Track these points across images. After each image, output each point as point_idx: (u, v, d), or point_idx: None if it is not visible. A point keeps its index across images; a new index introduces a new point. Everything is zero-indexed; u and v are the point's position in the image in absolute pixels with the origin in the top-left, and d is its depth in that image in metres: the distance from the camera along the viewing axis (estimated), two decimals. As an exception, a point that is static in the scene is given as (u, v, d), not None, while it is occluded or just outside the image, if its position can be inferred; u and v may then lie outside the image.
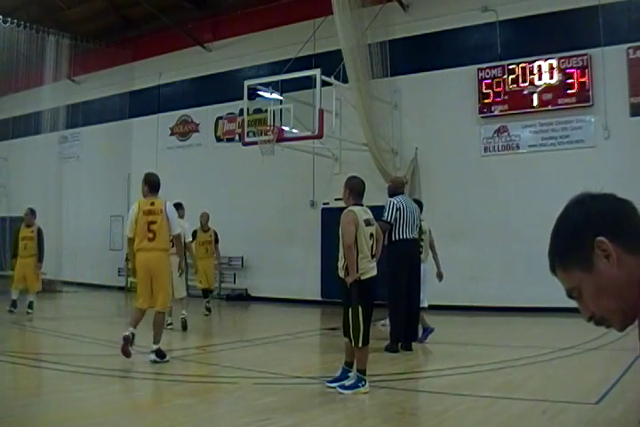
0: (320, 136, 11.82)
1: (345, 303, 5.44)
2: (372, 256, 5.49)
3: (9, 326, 9.73)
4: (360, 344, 5.30)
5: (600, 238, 1.38)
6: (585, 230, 1.41)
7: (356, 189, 5.64)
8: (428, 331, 8.86)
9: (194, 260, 10.54)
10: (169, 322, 10.11)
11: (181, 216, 10.69)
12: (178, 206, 10.66)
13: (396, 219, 7.62)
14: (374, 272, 5.47)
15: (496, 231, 12.35)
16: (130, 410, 4.79)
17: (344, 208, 5.67)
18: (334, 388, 5.30)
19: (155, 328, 6.58)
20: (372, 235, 5.48)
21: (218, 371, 6.36)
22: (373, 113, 12.58)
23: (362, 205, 5.61)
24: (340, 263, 5.46)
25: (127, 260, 10.73)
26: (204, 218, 11.65)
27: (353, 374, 5.40)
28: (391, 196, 7.97)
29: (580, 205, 1.47)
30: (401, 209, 7.68)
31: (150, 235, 6.59)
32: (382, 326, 9.53)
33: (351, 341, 5.36)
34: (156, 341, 6.52)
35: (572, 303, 1.48)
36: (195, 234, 11.13)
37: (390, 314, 7.85)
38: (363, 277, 5.35)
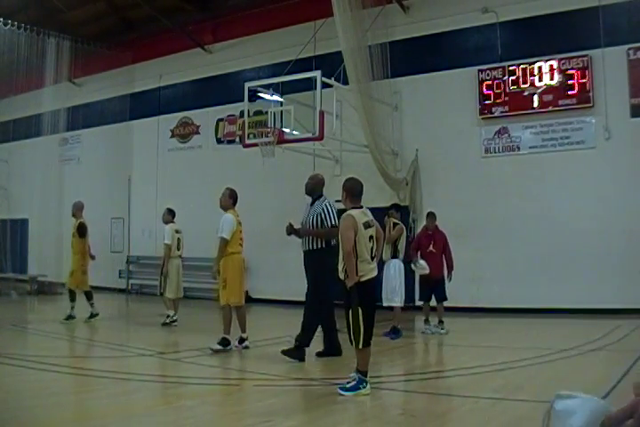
0: (320, 138, 11.81)
1: (346, 305, 5.44)
2: (373, 258, 5.48)
3: (10, 328, 9.73)
4: (360, 346, 5.30)
5: None
6: None
7: (352, 191, 5.63)
8: (397, 332, 8.88)
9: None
10: (175, 319, 10.36)
11: (168, 221, 10.86)
12: (169, 212, 10.95)
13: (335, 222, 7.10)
14: (374, 274, 5.46)
15: (497, 232, 12.34)
16: (131, 412, 4.79)
17: (345, 210, 5.66)
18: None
19: (241, 320, 7.85)
20: (371, 237, 5.47)
21: (219, 373, 6.36)
22: (374, 114, 12.58)
23: (361, 207, 5.59)
24: (340, 266, 5.46)
25: (163, 263, 10.83)
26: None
27: (354, 375, 5.40)
28: (312, 194, 7.64)
29: None
30: (336, 212, 7.14)
31: (241, 241, 8.17)
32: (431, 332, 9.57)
33: (351, 342, 5.36)
34: (245, 330, 7.87)
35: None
36: None
37: (309, 321, 7.44)
38: (362, 279, 5.34)
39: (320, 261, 7.21)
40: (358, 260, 5.34)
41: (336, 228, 6.91)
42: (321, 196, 7.56)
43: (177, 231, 10.89)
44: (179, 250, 10.95)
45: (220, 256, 7.83)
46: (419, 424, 4.51)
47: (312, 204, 7.50)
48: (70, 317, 10.58)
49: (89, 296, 11.00)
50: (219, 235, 7.81)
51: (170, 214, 11.08)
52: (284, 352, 7.02)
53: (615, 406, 3.03)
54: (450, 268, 9.69)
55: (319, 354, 7.33)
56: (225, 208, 8.15)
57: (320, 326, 7.45)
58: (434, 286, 9.65)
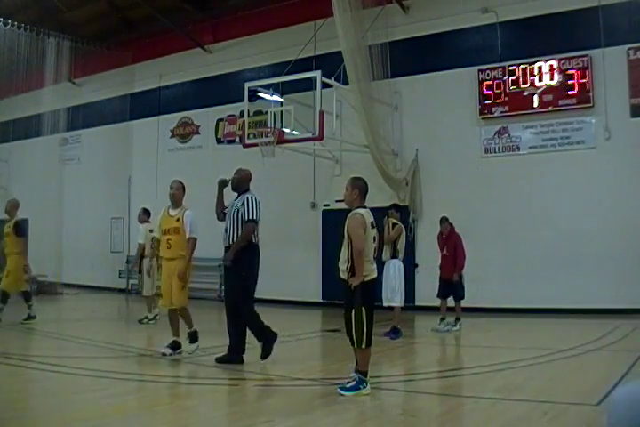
0: (320, 138, 11.81)
1: (347, 305, 5.45)
2: (375, 258, 5.53)
3: (9, 328, 9.73)
4: (363, 345, 5.31)
5: None
6: None
7: (363, 190, 5.66)
8: (397, 332, 8.89)
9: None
10: (152, 317, 10.48)
11: (143, 221, 10.88)
12: (144, 211, 10.98)
13: (257, 216, 6.99)
14: (375, 274, 5.52)
15: (496, 232, 12.35)
16: (131, 412, 4.79)
17: (345, 210, 5.69)
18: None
19: (177, 323, 7.54)
20: (374, 237, 5.52)
21: (218, 373, 6.35)
22: (374, 114, 12.58)
23: (366, 207, 5.64)
24: (344, 265, 5.46)
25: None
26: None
27: (354, 375, 5.40)
28: (238, 190, 7.25)
29: None
30: (260, 208, 7.08)
31: None
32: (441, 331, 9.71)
33: (353, 342, 5.37)
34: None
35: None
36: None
37: (248, 323, 7.15)
38: (366, 279, 5.38)
39: (244, 258, 6.94)
40: (364, 259, 5.39)
41: (253, 222, 6.90)
42: (247, 191, 7.27)
43: (151, 231, 10.74)
44: (153, 248, 10.84)
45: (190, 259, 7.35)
46: (419, 424, 4.51)
47: (236, 199, 7.23)
48: (30, 317, 10.23)
49: (27, 298, 10.42)
50: (190, 235, 7.24)
51: (145, 214, 11.21)
52: (265, 356, 6.81)
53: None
54: (457, 268, 9.88)
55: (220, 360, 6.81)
56: (180, 203, 7.49)
57: (233, 328, 7.07)
58: (450, 285, 9.91)
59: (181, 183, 7.66)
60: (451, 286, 9.89)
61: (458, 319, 9.84)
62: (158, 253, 8.19)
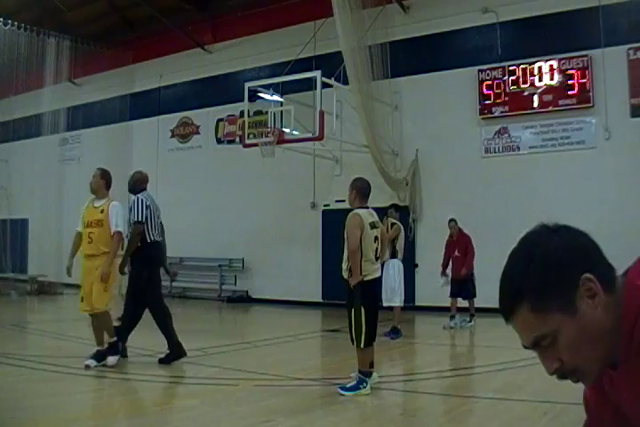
0: (321, 138, 11.81)
1: (348, 305, 5.47)
2: (377, 259, 5.53)
3: (9, 327, 9.73)
4: (362, 345, 5.32)
5: (588, 276, 1.18)
6: (570, 265, 1.19)
7: (362, 191, 5.66)
8: (397, 332, 8.89)
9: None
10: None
11: None
12: None
13: (146, 218, 6.85)
14: (377, 274, 5.53)
15: (496, 232, 12.32)
16: (131, 412, 4.79)
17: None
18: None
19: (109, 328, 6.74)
20: (376, 238, 5.53)
21: (219, 373, 6.35)
22: (374, 114, 12.58)
23: (367, 208, 5.64)
24: (345, 265, 5.50)
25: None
26: None
27: (355, 375, 5.40)
28: (134, 192, 7.17)
29: (557, 236, 1.24)
30: (150, 207, 7.00)
31: None
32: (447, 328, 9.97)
33: (353, 341, 5.38)
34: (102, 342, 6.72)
35: None
36: None
37: (160, 323, 6.99)
38: (366, 279, 5.38)
39: (141, 258, 6.88)
40: (363, 259, 5.39)
41: (138, 223, 6.83)
42: (140, 191, 7.19)
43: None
44: (122, 249, 10.92)
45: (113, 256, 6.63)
46: (419, 424, 4.51)
47: None
48: None
49: None
50: (115, 229, 6.60)
51: None
52: (163, 360, 6.74)
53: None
54: (465, 266, 10.28)
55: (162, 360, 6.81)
56: (102, 193, 6.84)
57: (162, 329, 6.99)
58: (462, 284, 10.29)
59: (104, 171, 6.96)
60: (462, 285, 10.25)
61: (472, 315, 10.27)
62: (74, 250, 6.94)
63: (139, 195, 7.04)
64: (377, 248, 5.53)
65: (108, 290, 6.52)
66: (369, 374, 5.39)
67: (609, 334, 1.19)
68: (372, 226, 5.51)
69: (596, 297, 1.18)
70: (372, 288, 5.50)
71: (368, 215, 5.54)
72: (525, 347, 1.27)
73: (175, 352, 6.81)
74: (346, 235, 5.47)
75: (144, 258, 6.84)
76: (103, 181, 6.84)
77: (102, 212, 6.60)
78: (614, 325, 1.18)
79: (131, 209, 6.92)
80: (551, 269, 1.19)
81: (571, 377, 1.26)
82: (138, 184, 7.25)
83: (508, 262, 1.28)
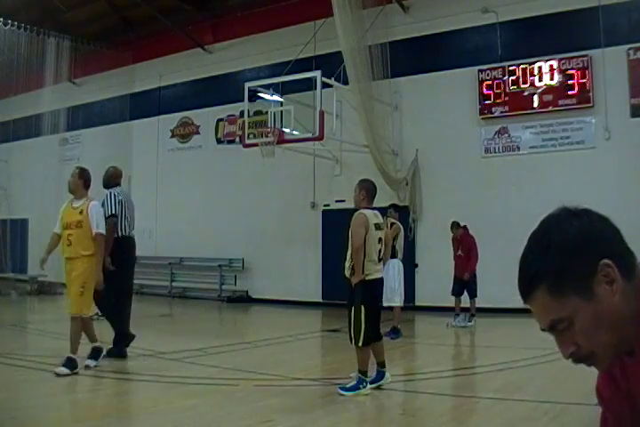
0: (321, 138, 11.81)
1: (348, 303, 5.50)
2: (380, 260, 5.56)
3: (9, 327, 9.73)
4: (360, 344, 5.33)
5: (606, 261, 1.18)
6: (589, 250, 1.20)
7: (370, 192, 5.78)
8: (397, 332, 8.90)
9: None
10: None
11: None
12: None
13: (117, 211, 6.92)
14: (379, 274, 5.57)
15: (496, 232, 12.33)
16: (131, 412, 4.79)
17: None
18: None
19: (90, 331, 6.53)
20: (380, 239, 5.57)
21: (219, 373, 6.35)
22: (374, 114, 12.58)
23: (373, 209, 5.71)
24: (348, 263, 5.54)
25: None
26: None
27: (355, 375, 5.41)
28: (107, 187, 7.23)
29: (577, 220, 1.24)
30: (122, 202, 7.06)
31: None
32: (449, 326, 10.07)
33: (351, 340, 5.39)
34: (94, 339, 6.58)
35: None
36: None
37: (117, 316, 7.12)
38: (368, 278, 5.42)
39: (113, 253, 6.83)
40: (366, 259, 5.44)
41: (112, 216, 6.88)
42: (114, 186, 7.30)
43: None
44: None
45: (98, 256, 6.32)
46: (419, 424, 4.51)
47: None
48: None
49: None
50: (97, 230, 6.25)
51: None
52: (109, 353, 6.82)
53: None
54: (467, 267, 10.36)
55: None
56: (81, 193, 6.53)
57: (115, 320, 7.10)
58: (464, 283, 10.40)
59: (83, 170, 6.64)
60: (464, 284, 10.35)
61: (472, 315, 10.27)
62: (49, 249, 6.63)
63: (111, 190, 7.11)
64: (380, 249, 5.58)
65: (84, 294, 6.21)
66: (380, 374, 5.43)
67: (626, 321, 1.19)
68: (377, 227, 5.58)
69: (614, 283, 1.18)
70: (374, 288, 5.52)
71: (373, 216, 5.62)
72: (542, 330, 1.29)
73: (122, 342, 6.93)
74: (350, 234, 5.51)
75: (114, 253, 6.78)
76: (81, 181, 6.51)
77: (81, 212, 6.32)
78: (632, 312, 1.19)
79: (103, 203, 6.93)
80: (569, 254, 1.20)
81: (585, 362, 1.26)
82: (112, 179, 7.32)
83: (527, 245, 1.30)
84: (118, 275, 6.79)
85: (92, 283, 6.23)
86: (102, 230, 6.28)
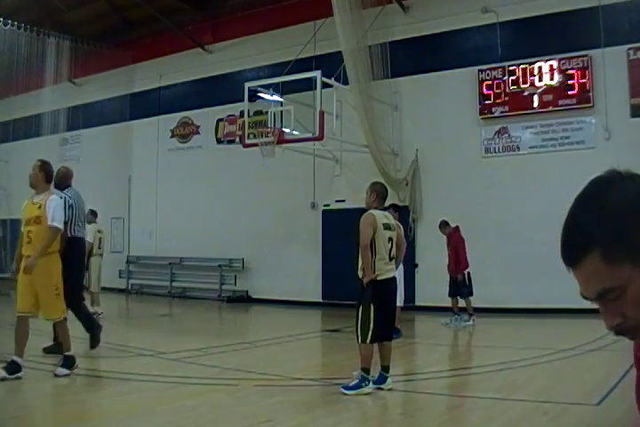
0: (321, 138, 11.82)
1: (357, 302, 5.52)
2: (391, 259, 5.60)
3: (9, 327, 9.72)
4: (368, 341, 5.34)
5: None
6: None
7: (381, 195, 5.88)
8: (397, 332, 8.90)
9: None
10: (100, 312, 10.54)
11: (91, 221, 11.03)
12: (91, 212, 11.01)
13: (69, 217, 6.79)
14: (391, 274, 5.59)
15: (496, 232, 12.35)
16: (131, 412, 4.79)
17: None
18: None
19: (65, 335, 6.26)
20: (390, 239, 5.60)
21: (219, 373, 6.36)
22: (374, 114, 12.58)
23: (384, 210, 5.79)
24: (358, 264, 5.57)
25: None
26: None
27: (356, 373, 5.41)
28: (59, 188, 7.06)
29: (632, 181, 1.15)
30: (73, 206, 6.99)
31: None
32: (446, 324, 10.19)
33: (357, 337, 5.41)
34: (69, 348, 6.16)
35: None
36: None
37: (79, 313, 7.15)
38: (379, 278, 5.44)
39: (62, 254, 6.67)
40: (376, 258, 5.48)
41: (64, 223, 6.74)
42: (65, 188, 7.18)
43: (99, 231, 11.45)
44: (100, 248, 11.41)
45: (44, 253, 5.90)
46: (419, 424, 4.51)
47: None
48: None
49: None
50: (51, 223, 5.90)
51: (92, 215, 11.37)
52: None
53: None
54: (456, 268, 10.39)
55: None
56: (42, 187, 6.21)
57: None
58: (454, 284, 10.45)
59: (44, 163, 6.27)
60: (455, 284, 10.36)
61: (471, 315, 10.29)
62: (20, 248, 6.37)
63: (62, 193, 6.97)
64: (391, 249, 5.61)
65: (60, 294, 5.92)
66: (382, 378, 5.44)
67: None
68: (386, 227, 5.61)
69: None
70: (385, 287, 5.54)
71: (382, 216, 5.67)
72: (584, 297, 1.14)
73: (95, 328, 7.22)
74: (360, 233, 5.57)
75: (63, 253, 6.59)
76: (42, 174, 6.12)
77: (40, 207, 5.93)
78: None
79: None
80: (629, 217, 1.08)
81: (629, 334, 1.15)
82: (63, 180, 7.16)
83: (575, 207, 1.19)
84: (71, 274, 6.73)
85: (61, 281, 5.95)
86: (58, 224, 5.93)
